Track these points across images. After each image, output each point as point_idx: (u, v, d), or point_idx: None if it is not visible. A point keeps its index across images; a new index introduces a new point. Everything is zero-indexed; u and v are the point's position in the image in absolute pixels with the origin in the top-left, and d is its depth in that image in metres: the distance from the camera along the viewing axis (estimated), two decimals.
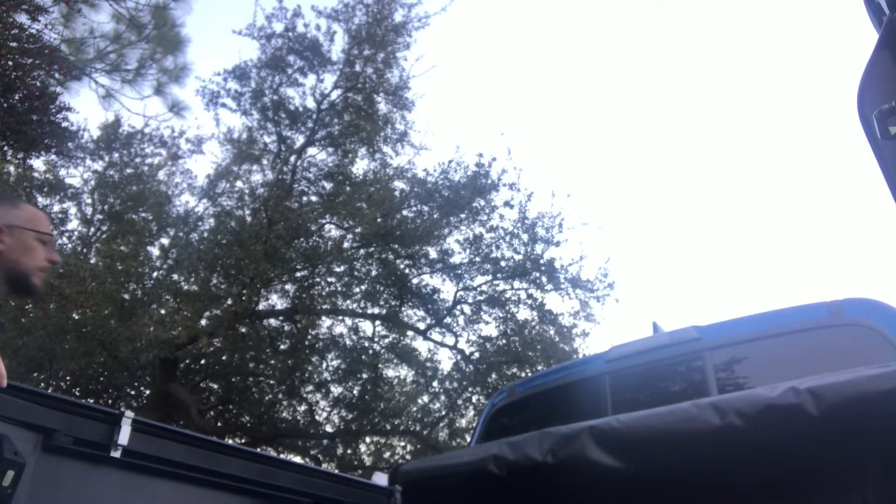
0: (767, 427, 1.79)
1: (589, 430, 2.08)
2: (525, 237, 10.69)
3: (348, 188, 10.91)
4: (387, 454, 13.94)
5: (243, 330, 11.09)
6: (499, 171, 10.66)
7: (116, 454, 1.41)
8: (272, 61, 10.81)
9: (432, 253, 11.10)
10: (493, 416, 3.92)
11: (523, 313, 11.08)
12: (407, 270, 11.13)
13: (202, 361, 12.54)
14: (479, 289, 11.22)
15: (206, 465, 1.64)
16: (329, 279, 11.39)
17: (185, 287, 10.73)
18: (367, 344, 11.78)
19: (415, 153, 11.50)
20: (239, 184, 11.73)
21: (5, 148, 6.98)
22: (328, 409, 12.54)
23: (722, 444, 1.87)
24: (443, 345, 11.70)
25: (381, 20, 10.69)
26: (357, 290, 11.37)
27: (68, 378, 11.76)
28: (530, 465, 2.12)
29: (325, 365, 12.02)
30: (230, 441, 9.77)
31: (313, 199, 11.39)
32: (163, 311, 10.54)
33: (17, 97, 6.53)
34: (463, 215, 10.81)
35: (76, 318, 9.64)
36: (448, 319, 11.36)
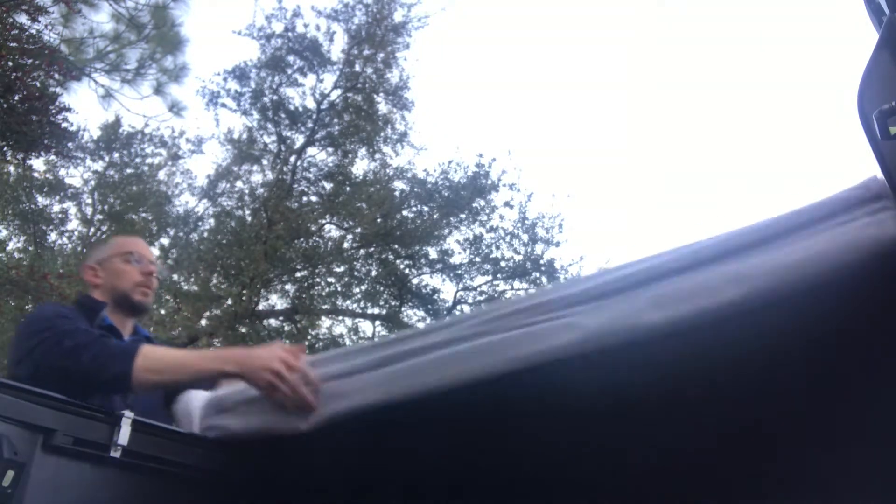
0: None
1: None
2: (525, 237, 10.70)
3: (348, 188, 10.91)
4: None
5: (243, 330, 11.08)
6: (499, 172, 10.68)
7: (116, 454, 1.40)
8: (272, 61, 10.81)
9: (432, 253, 11.11)
10: None
11: None
12: (407, 270, 11.13)
13: None
14: (479, 289, 11.23)
15: (207, 465, 1.63)
16: (329, 279, 11.39)
17: (185, 287, 10.73)
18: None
19: (415, 153, 11.51)
20: (239, 184, 11.74)
21: (5, 148, 6.99)
22: None
23: None
24: None
25: (380, 20, 10.69)
26: (357, 290, 11.37)
27: None
28: None
29: None
30: None
31: (313, 199, 11.39)
32: (163, 311, 10.54)
33: (17, 98, 6.54)
34: (463, 215, 10.82)
35: None
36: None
